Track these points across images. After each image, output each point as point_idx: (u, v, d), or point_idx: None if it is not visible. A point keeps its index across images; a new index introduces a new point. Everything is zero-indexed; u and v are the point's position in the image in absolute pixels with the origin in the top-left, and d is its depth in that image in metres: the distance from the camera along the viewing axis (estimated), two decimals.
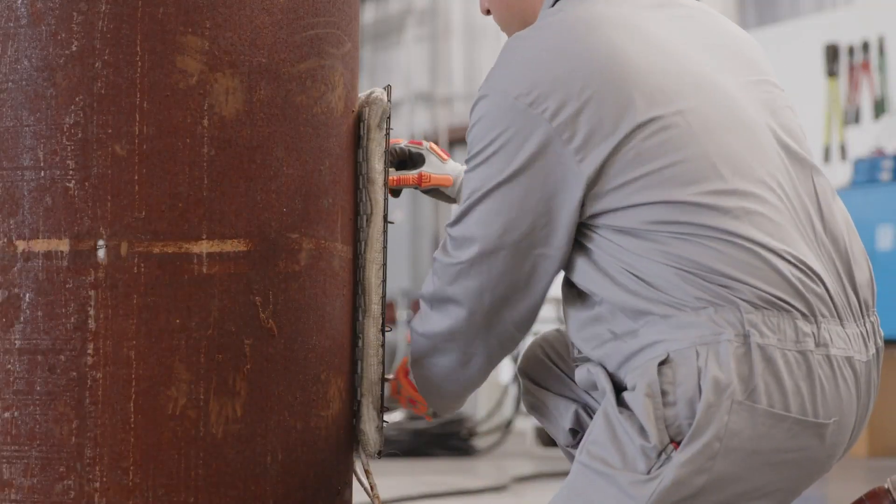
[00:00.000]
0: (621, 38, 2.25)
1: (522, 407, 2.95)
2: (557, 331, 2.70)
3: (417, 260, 12.68)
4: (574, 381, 2.63)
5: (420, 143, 2.84)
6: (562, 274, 2.38)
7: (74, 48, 2.42)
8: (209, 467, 2.42)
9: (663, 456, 2.15)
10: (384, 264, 2.66)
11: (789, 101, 2.41)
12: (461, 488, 5.91)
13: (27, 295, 2.42)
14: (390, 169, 2.80)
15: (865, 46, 8.46)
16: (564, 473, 2.73)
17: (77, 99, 2.42)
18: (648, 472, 2.15)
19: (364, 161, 2.64)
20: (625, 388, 2.25)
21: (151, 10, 2.42)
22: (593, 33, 2.26)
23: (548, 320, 7.52)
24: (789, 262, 2.21)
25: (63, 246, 2.41)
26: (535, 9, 2.47)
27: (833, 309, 2.24)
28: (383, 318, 2.64)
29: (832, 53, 8.59)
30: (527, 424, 8.35)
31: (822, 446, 2.21)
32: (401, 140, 2.83)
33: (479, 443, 8.43)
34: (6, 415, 2.42)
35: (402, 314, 12.16)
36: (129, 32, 2.42)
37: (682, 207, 2.20)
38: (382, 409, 2.65)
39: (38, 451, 2.40)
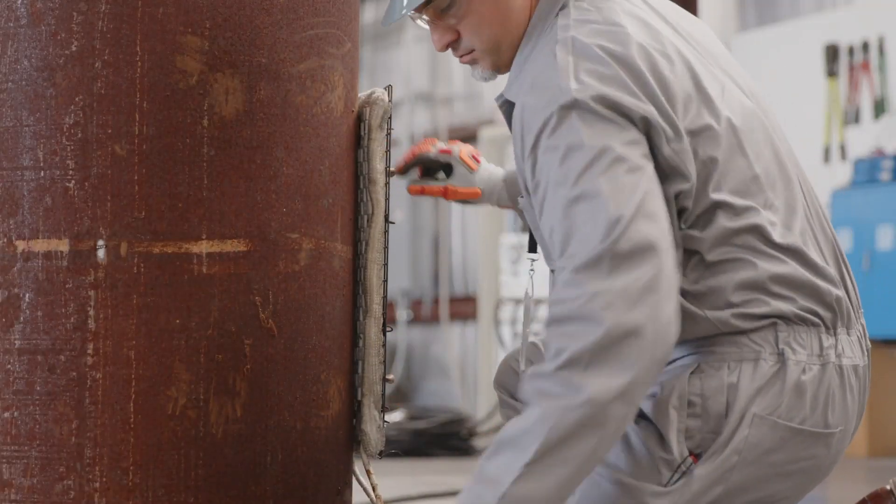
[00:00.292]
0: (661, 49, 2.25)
1: None
2: (533, 344, 2.67)
3: (417, 260, 12.67)
4: None
5: (449, 151, 2.73)
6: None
7: (74, 48, 2.42)
8: (209, 467, 2.42)
9: (682, 468, 2.15)
10: (385, 264, 2.66)
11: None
12: (460, 488, 5.91)
13: (27, 295, 2.42)
14: (416, 177, 2.77)
15: (865, 46, 8.45)
16: None
17: (77, 99, 2.42)
18: (666, 485, 2.15)
19: (365, 161, 2.63)
20: None
21: (151, 10, 2.42)
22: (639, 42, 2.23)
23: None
24: (824, 273, 2.22)
25: (63, 246, 2.41)
26: (518, 24, 2.31)
27: (846, 316, 2.26)
28: (384, 318, 2.64)
29: (832, 53, 8.59)
30: None
31: (828, 454, 2.23)
32: (430, 147, 2.74)
33: (479, 443, 8.43)
34: (6, 415, 2.42)
35: (401, 314, 12.15)
36: (129, 32, 2.42)
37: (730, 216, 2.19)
38: (383, 408, 2.64)
39: (38, 451, 2.40)
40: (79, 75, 2.42)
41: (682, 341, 2.19)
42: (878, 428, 7.42)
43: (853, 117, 8.52)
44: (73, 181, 2.41)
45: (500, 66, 2.37)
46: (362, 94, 2.71)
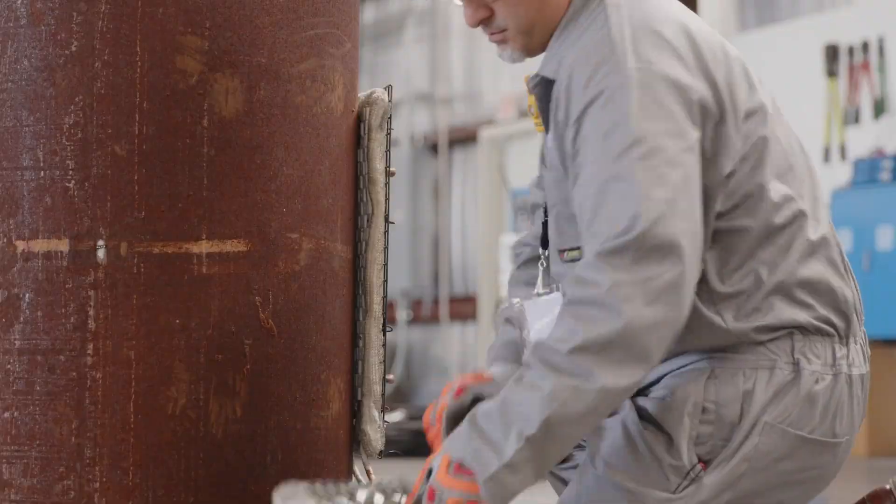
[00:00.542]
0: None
1: None
2: None
3: (417, 260, 12.67)
4: None
5: (465, 389, 2.31)
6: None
7: (74, 48, 2.42)
8: (209, 467, 2.42)
9: (690, 475, 2.15)
10: (385, 264, 2.65)
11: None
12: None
13: (27, 295, 2.42)
14: None
15: (865, 46, 8.45)
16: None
17: (77, 99, 2.42)
18: (674, 492, 2.14)
19: (365, 161, 2.63)
20: (636, 392, 2.23)
21: (151, 10, 2.42)
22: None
23: None
24: (841, 272, 2.23)
25: (63, 246, 2.41)
26: (558, 7, 2.28)
27: (856, 325, 2.26)
28: (384, 318, 2.64)
29: (832, 53, 8.59)
30: None
31: (833, 462, 2.24)
32: (445, 403, 2.32)
33: None
34: (6, 415, 2.42)
35: (401, 314, 12.15)
36: (129, 32, 2.42)
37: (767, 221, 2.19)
38: (384, 408, 2.64)
39: (38, 451, 2.40)
40: (79, 75, 2.42)
41: (695, 347, 2.18)
42: (878, 428, 7.42)
43: (853, 117, 8.52)
44: (72, 181, 2.41)
45: (531, 48, 2.33)
46: (362, 94, 2.71)
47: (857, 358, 2.25)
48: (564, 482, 2.61)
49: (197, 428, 2.41)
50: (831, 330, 2.21)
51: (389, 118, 2.66)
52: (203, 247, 2.43)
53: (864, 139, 8.38)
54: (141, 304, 2.40)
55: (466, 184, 12.57)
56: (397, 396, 11.44)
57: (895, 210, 7.78)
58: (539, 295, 2.36)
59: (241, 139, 2.46)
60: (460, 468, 2.05)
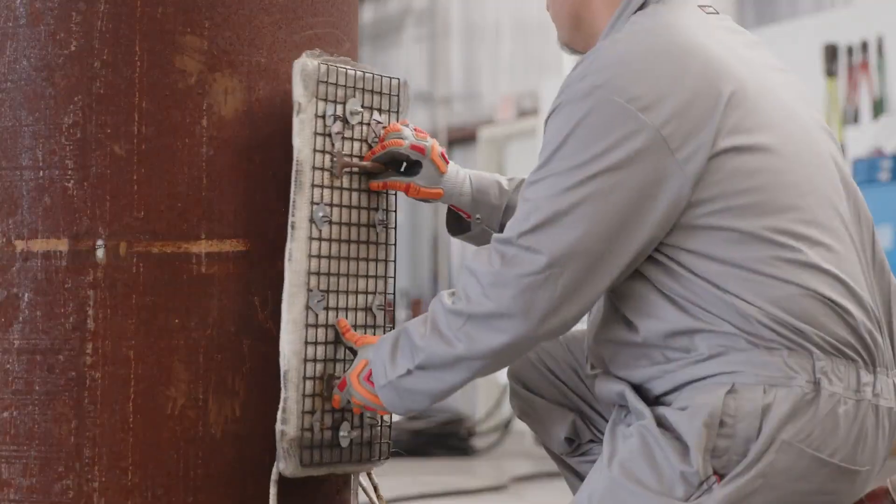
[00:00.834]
0: (728, 57, 2.24)
1: None
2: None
3: (416, 260, 12.67)
4: (571, 389, 2.62)
5: (422, 149, 2.58)
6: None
7: (73, 48, 2.42)
8: (208, 467, 2.42)
9: (704, 486, 2.14)
10: (394, 259, 2.64)
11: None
12: (460, 488, 5.91)
13: (26, 295, 2.42)
14: (383, 171, 2.58)
15: (864, 46, 8.46)
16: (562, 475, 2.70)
17: (76, 99, 2.42)
18: (687, 500, 2.14)
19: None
20: (658, 403, 2.23)
21: (150, 9, 2.42)
22: (701, 45, 2.23)
23: None
24: (863, 308, 2.21)
25: (62, 246, 2.41)
26: (594, 14, 2.38)
27: (884, 356, 2.24)
28: (393, 314, 2.63)
29: (831, 53, 8.59)
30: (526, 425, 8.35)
31: (851, 491, 2.22)
32: (402, 141, 2.57)
33: (479, 442, 8.44)
34: (5, 414, 2.42)
35: (400, 314, 12.16)
36: (128, 32, 2.42)
37: (763, 239, 2.17)
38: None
39: (37, 451, 2.40)
40: (78, 75, 2.42)
41: (708, 357, 2.18)
42: None
43: (852, 117, 8.52)
44: (72, 181, 2.41)
45: (568, 43, 2.47)
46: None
47: (886, 391, 2.23)
48: (578, 475, 2.62)
49: (196, 428, 2.41)
50: (853, 355, 2.20)
51: (330, 83, 2.49)
52: (202, 247, 2.43)
53: (863, 139, 8.38)
54: (140, 303, 2.40)
55: None
56: None
57: (894, 210, 7.77)
58: None
59: (241, 139, 2.46)
60: (368, 378, 2.38)
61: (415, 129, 2.61)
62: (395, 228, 2.64)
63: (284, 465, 2.42)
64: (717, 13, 2.37)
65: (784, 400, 2.14)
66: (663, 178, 2.15)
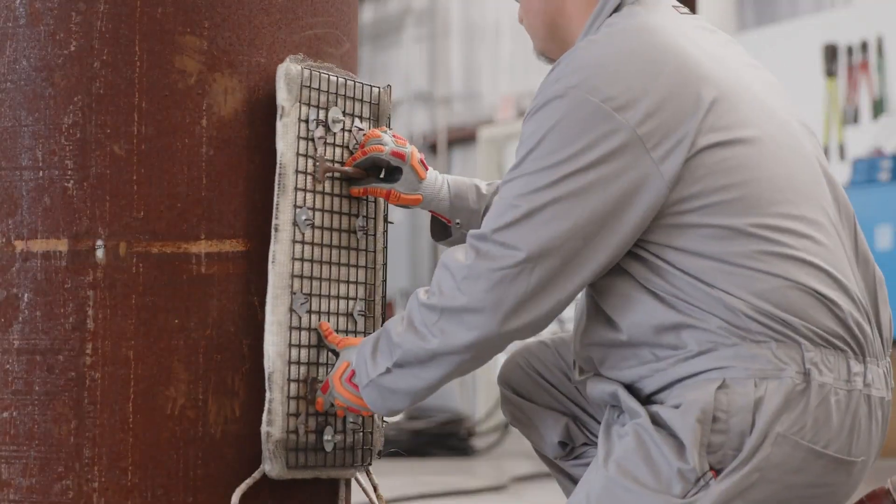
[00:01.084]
0: (703, 57, 2.24)
1: None
2: (542, 342, 2.67)
3: (416, 260, 12.67)
4: (562, 393, 2.62)
5: (403, 156, 2.58)
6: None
7: (73, 48, 2.42)
8: (208, 467, 2.42)
9: (701, 482, 2.14)
10: (385, 264, 2.65)
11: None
12: (460, 488, 5.91)
13: (26, 295, 2.42)
14: (363, 177, 2.58)
15: (864, 46, 8.46)
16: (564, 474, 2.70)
17: (76, 99, 2.42)
18: (684, 497, 2.14)
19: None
20: (649, 401, 2.23)
21: (150, 9, 2.42)
22: (676, 45, 2.23)
23: None
24: (850, 299, 2.21)
25: (62, 246, 2.41)
26: (570, 21, 2.39)
27: (872, 346, 2.25)
28: (384, 318, 2.64)
29: (831, 53, 8.59)
30: None
31: (847, 482, 2.22)
32: (382, 147, 2.56)
33: (478, 443, 8.44)
34: (5, 415, 2.42)
35: (399, 314, 12.15)
36: (128, 32, 2.42)
37: (748, 234, 2.17)
38: None
39: (37, 451, 2.40)
40: (77, 75, 2.42)
41: (697, 353, 2.18)
42: None
43: (852, 117, 8.52)
44: (71, 181, 2.41)
45: (544, 52, 2.47)
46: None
47: (877, 381, 2.24)
48: (572, 479, 2.62)
49: (196, 428, 2.41)
50: (842, 345, 2.20)
51: (313, 88, 2.50)
52: (202, 247, 2.43)
53: (862, 139, 8.39)
54: (140, 303, 2.40)
55: None
56: None
57: (894, 210, 7.78)
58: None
59: (240, 139, 2.46)
60: (350, 379, 2.39)
61: (394, 136, 2.62)
62: (386, 232, 2.64)
63: (270, 467, 2.42)
64: (689, 13, 2.37)
65: (775, 392, 2.14)
66: (640, 176, 2.16)
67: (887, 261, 7.67)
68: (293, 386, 2.45)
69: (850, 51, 8.53)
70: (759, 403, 2.14)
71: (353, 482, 2.66)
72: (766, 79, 2.37)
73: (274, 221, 2.43)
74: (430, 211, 2.67)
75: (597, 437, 2.47)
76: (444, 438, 8.05)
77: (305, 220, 2.47)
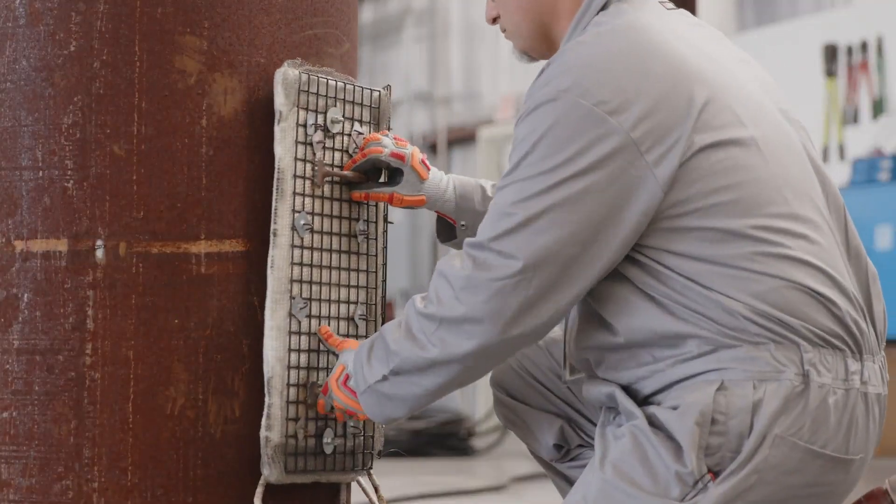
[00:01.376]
0: (694, 55, 2.23)
1: None
2: (535, 345, 2.66)
3: (416, 260, 12.67)
4: (555, 395, 2.61)
5: (402, 157, 2.56)
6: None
7: (73, 48, 2.42)
8: (208, 467, 2.42)
9: (699, 485, 2.13)
10: (384, 265, 2.64)
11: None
12: (460, 488, 5.91)
13: (25, 295, 2.42)
14: (363, 181, 2.57)
15: (864, 46, 8.46)
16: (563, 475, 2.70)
17: (75, 99, 2.42)
18: (682, 500, 2.14)
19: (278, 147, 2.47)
20: (647, 402, 2.23)
21: (150, 9, 2.42)
22: (667, 44, 2.22)
23: None
24: (846, 297, 2.21)
25: (61, 246, 2.41)
26: (558, 19, 2.36)
27: (868, 342, 2.24)
28: (383, 318, 2.63)
29: (831, 53, 8.59)
30: None
31: (846, 480, 2.22)
32: (381, 148, 2.55)
33: (478, 443, 8.44)
34: (4, 415, 2.42)
35: (400, 314, 12.15)
36: (128, 32, 2.42)
37: (745, 236, 2.16)
38: None
39: (37, 451, 2.40)
40: (77, 75, 2.42)
41: (696, 355, 2.18)
42: None
43: (852, 117, 8.52)
44: (71, 181, 2.41)
45: (527, 51, 2.44)
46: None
47: (874, 378, 2.23)
48: (568, 480, 2.61)
49: (196, 428, 2.41)
50: (840, 344, 2.20)
51: (310, 93, 2.48)
52: (202, 247, 2.43)
53: (862, 139, 8.39)
54: (140, 304, 2.40)
55: None
56: None
57: (894, 210, 7.78)
58: None
59: (240, 139, 2.46)
60: (346, 383, 2.38)
61: (395, 138, 2.60)
62: (385, 234, 2.63)
63: (269, 472, 2.42)
64: (676, 9, 2.36)
65: (774, 394, 2.14)
66: (635, 180, 2.15)
67: (887, 261, 7.67)
68: (292, 390, 2.45)
69: (849, 51, 8.54)
70: (758, 405, 2.13)
71: (354, 483, 2.66)
72: (758, 74, 2.36)
73: (272, 226, 2.43)
74: (435, 211, 2.66)
75: (592, 438, 2.46)
76: (444, 438, 8.05)
77: (304, 224, 2.47)
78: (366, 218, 2.59)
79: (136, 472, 2.39)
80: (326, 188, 2.52)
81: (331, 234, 2.52)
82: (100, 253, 2.41)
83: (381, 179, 2.60)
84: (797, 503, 2.18)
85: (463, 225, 2.65)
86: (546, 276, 2.16)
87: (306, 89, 2.48)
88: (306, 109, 2.48)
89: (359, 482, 2.65)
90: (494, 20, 2.44)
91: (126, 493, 2.38)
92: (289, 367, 2.44)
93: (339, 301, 2.54)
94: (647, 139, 2.15)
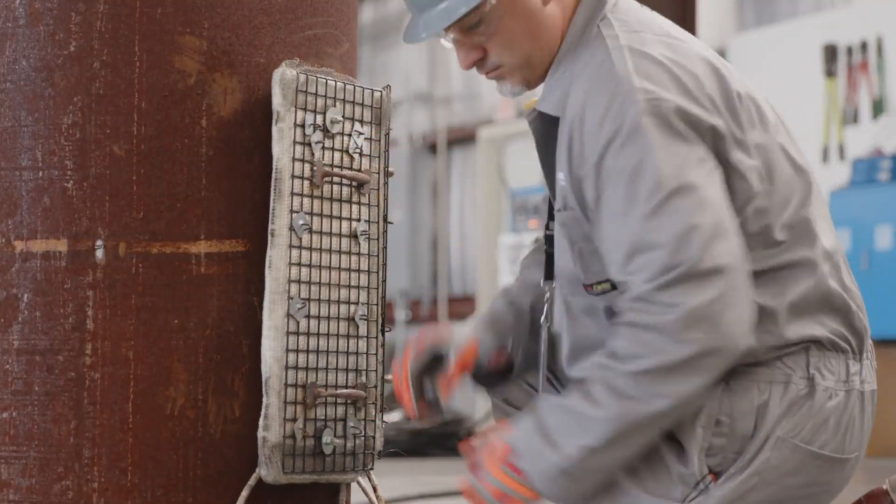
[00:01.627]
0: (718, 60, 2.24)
1: None
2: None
3: (416, 260, 12.67)
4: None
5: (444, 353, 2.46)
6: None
7: (73, 48, 2.42)
8: (207, 467, 2.42)
9: (700, 486, 2.14)
10: (384, 264, 2.64)
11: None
12: (458, 487, 5.90)
13: (25, 295, 2.42)
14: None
15: (864, 46, 8.46)
16: None
17: (75, 99, 2.42)
18: (683, 501, 2.14)
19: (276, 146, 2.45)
20: None
21: (150, 10, 2.42)
22: (701, 51, 2.22)
23: None
24: (852, 294, 2.22)
25: (61, 246, 2.41)
26: (553, 37, 2.27)
27: (867, 341, 2.25)
28: (383, 319, 2.63)
29: (831, 53, 8.59)
30: None
31: (842, 477, 2.23)
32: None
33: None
34: (4, 415, 2.42)
35: (400, 314, 12.15)
36: (128, 33, 2.42)
37: (770, 237, 2.17)
38: (382, 409, 2.63)
39: (37, 452, 2.40)
40: (77, 75, 2.42)
41: None
42: (879, 428, 7.40)
43: (852, 117, 8.53)
44: (71, 181, 2.41)
45: (532, 80, 2.32)
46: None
47: (868, 374, 2.25)
48: None
49: (195, 428, 2.41)
50: (845, 346, 2.20)
51: (310, 94, 2.47)
52: (201, 247, 2.43)
53: (862, 139, 8.39)
54: (139, 304, 2.40)
55: (465, 184, 12.57)
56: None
57: (894, 210, 7.78)
58: (545, 322, 2.41)
59: (240, 139, 2.46)
60: (513, 466, 2.17)
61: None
62: (385, 234, 2.61)
63: (266, 472, 2.41)
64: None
65: (779, 397, 2.14)
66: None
67: (887, 261, 7.68)
68: (290, 391, 2.44)
69: (849, 51, 8.54)
70: (763, 408, 2.14)
71: (354, 483, 2.66)
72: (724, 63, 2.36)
73: (270, 227, 2.43)
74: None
75: None
76: (444, 438, 8.05)
77: (302, 224, 2.46)
78: (367, 218, 2.58)
79: (136, 472, 2.38)
80: (325, 188, 2.52)
81: (330, 234, 2.52)
82: (100, 253, 2.41)
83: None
84: (795, 502, 2.18)
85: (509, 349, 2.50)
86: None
87: (304, 89, 2.47)
88: (304, 110, 2.48)
89: (358, 482, 2.65)
90: (474, 63, 2.29)
91: (126, 493, 2.38)
92: (287, 368, 2.44)
93: (339, 301, 2.53)
94: (726, 134, 2.17)
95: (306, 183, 2.48)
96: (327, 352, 2.49)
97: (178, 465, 2.40)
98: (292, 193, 2.45)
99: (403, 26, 2.35)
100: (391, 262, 2.69)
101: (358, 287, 2.57)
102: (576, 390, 2.12)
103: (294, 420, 2.45)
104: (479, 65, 2.29)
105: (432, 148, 12.71)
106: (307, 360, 2.47)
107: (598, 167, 2.12)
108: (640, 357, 2.06)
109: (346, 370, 2.53)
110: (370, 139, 2.58)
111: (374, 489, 2.66)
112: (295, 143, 2.46)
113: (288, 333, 2.44)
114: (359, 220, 2.57)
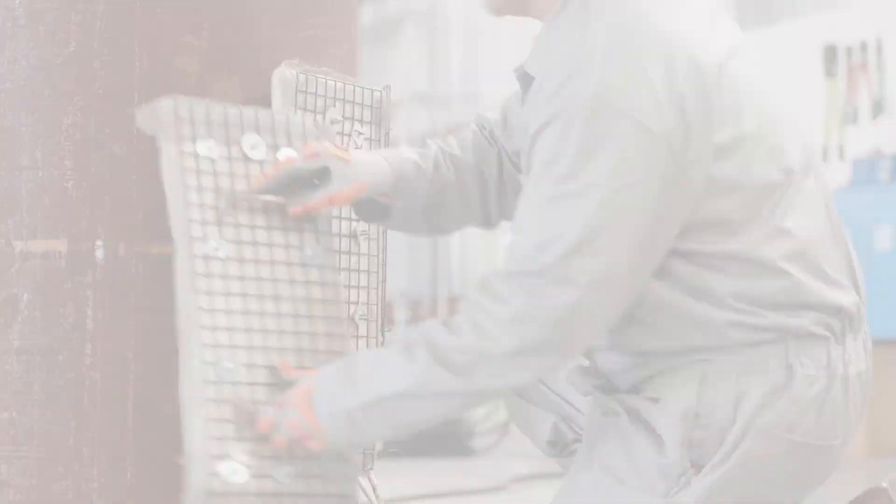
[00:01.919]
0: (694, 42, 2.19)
1: None
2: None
3: (416, 260, 12.66)
4: (552, 390, 2.61)
5: (318, 154, 2.31)
6: None
7: (72, 48, 2.42)
8: None
9: (682, 479, 2.14)
10: (384, 264, 2.64)
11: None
12: (460, 488, 5.91)
13: (25, 295, 2.42)
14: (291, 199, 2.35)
15: (864, 47, 8.46)
16: (563, 474, 2.71)
17: (75, 99, 2.42)
18: (667, 496, 2.14)
19: None
20: (630, 391, 2.23)
21: (149, 10, 2.42)
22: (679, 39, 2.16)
23: None
24: (855, 284, 2.21)
25: (61, 246, 2.41)
26: None
27: (855, 321, 2.23)
28: (383, 319, 2.63)
29: (831, 54, 8.59)
30: None
31: (828, 463, 2.22)
32: (294, 159, 2.33)
33: (478, 443, 8.43)
34: (4, 415, 2.42)
35: (400, 315, 12.14)
36: (128, 33, 2.42)
37: (743, 233, 2.15)
38: None
39: (37, 452, 2.40)
40: (77, 76, 2.42)
41: (685, 348, 2.17)
42: (878, 428, 7.40)
43: (851, 117, 8.52)
44: (71, 181, 2.41)
45: (495, 7, 2.34)
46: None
47: (854, 354, 2.23)
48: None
49: None
50: (826, 332, 2.19)
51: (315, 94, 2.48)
52: None
53: (862, 139, 8.38)
54: (139, 304, 2.40)
55: None
56: None
57: (894, 210, 7.77)
58: None
59: None
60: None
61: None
62: (385, 234, 2.58)
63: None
64: None
65: (757, 387, 2.13)
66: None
67: (887, 261, 7.67)
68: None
69: (849, 51, 8.53)
70: (741, 398, 2.13)
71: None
72: (744, 53, 2.32)
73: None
74: (381, 194, 2.44)
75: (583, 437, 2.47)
76: (444, 438, 8.05)
77: None
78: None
79: (136, 472, 2.38)
80: None
81: (329, 234, 2.52)
82: (99, 253, 2.41)
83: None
84: (779, 492, 2.18)
85: (398, 206, 2.45)
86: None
87: (304, 90, 2.47)
88: (304, 110, 2.48)
89: (358, 483, 2.65)
90: None
91: (126, 493, 2.38)
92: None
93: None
94: (683, 138, 2.13)
95: None
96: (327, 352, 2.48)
97: (177, 465, 2.40)
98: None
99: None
100: (391, 263, 2.69)
101: (357, 287, 2.57)
102: (401, 342, 2.14)
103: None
104: None
105: None
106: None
107: (533, 141, 2.12)
108: (467, 335, 2.07)
109: None
110: (370, 139, 2.58)
111: (374, 489, 2.66)
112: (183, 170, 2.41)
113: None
114: (358, 219, 2.57)
